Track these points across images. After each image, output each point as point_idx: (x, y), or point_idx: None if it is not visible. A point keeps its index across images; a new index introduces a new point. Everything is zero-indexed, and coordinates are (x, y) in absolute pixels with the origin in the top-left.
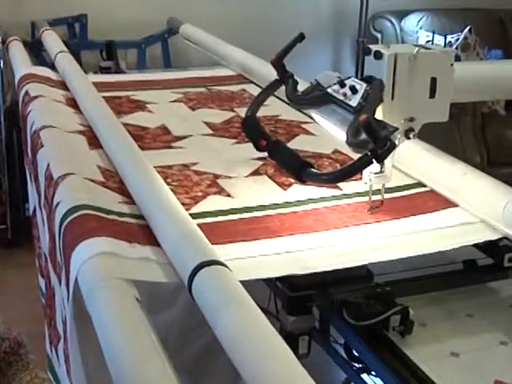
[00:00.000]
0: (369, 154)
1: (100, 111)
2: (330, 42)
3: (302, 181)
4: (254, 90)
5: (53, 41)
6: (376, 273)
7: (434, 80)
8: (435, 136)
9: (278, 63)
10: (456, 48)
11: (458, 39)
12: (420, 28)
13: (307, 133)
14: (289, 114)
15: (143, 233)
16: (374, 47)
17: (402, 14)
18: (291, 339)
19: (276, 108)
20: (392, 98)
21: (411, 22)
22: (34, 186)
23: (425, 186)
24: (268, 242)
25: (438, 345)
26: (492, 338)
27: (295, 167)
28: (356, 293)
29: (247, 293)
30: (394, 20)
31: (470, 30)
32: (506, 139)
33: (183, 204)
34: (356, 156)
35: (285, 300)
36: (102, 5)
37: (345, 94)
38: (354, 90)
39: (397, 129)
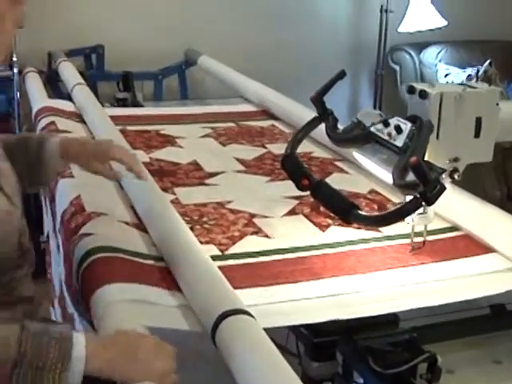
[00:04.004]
0: (418, 196)
1: None
2: (348, 74)
3: (348, 222)
4: (284, 126)
5: (69, 72)
6: (401, 317)
7: (478, 119)
8: None
9: (318, 100)
10: (476, 81)
11: (477, 72)
12: (439, 61)
13: (342, 171)
14: (322, 151)
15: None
16: (418, 86)
17: (420, 47)
18: None
19: (309, 145)
20: (437, 137)
21: (430, 55)
22: (49, 210)
23: (460, 229)
24: (311, 284)
25: None
26: None
27: (342, 208)
28: (382, 339)
29: (272, 343)
30: (412, 52)
31: (490, 63)
32: None
33: (220, 244)
34: (394, 196)
35: (309, 345)
36: (119, 35)
37: (389, 134)
38: (398, 130)
39: (444, 170)
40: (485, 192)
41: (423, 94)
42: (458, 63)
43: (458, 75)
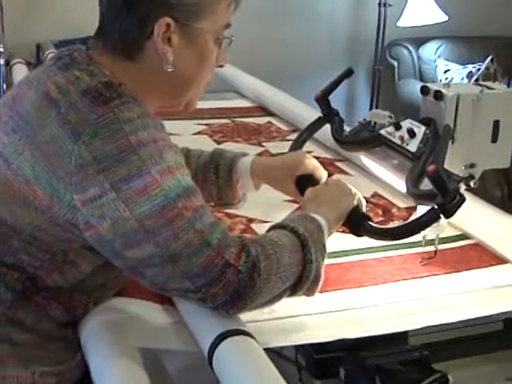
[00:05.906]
0: (436, 208)
1: None
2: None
3: (358, 235)
4: (281, 123)
5: None
6: (410, 332)
7: (496, 123)
8: None
9: (323, 100)
10: (477, 79)
11: (479, 69)
12: (438, 56)
13: (342, 172)
14: (321, 150)
15: None
16: (433, 86)
17: (419, 42)
18: None
19: (308, 144)
20: (452, 142)
21: (429, 50)
22: None
23: (470, 238)
24: (313, 298)
25: None
26: None
27: (352, 220)
28: (390, 357)
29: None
30: (411, 48)
31: (491, 60)
32: None
33: None
34: (398, 200)
35: (310, 362)
36: None
37: (402, 138)
38: (411, 134)
39: (462, 178)
40: (485, 192)
41: (439, 96)
42: (458, 59)
43: (458, 72)
